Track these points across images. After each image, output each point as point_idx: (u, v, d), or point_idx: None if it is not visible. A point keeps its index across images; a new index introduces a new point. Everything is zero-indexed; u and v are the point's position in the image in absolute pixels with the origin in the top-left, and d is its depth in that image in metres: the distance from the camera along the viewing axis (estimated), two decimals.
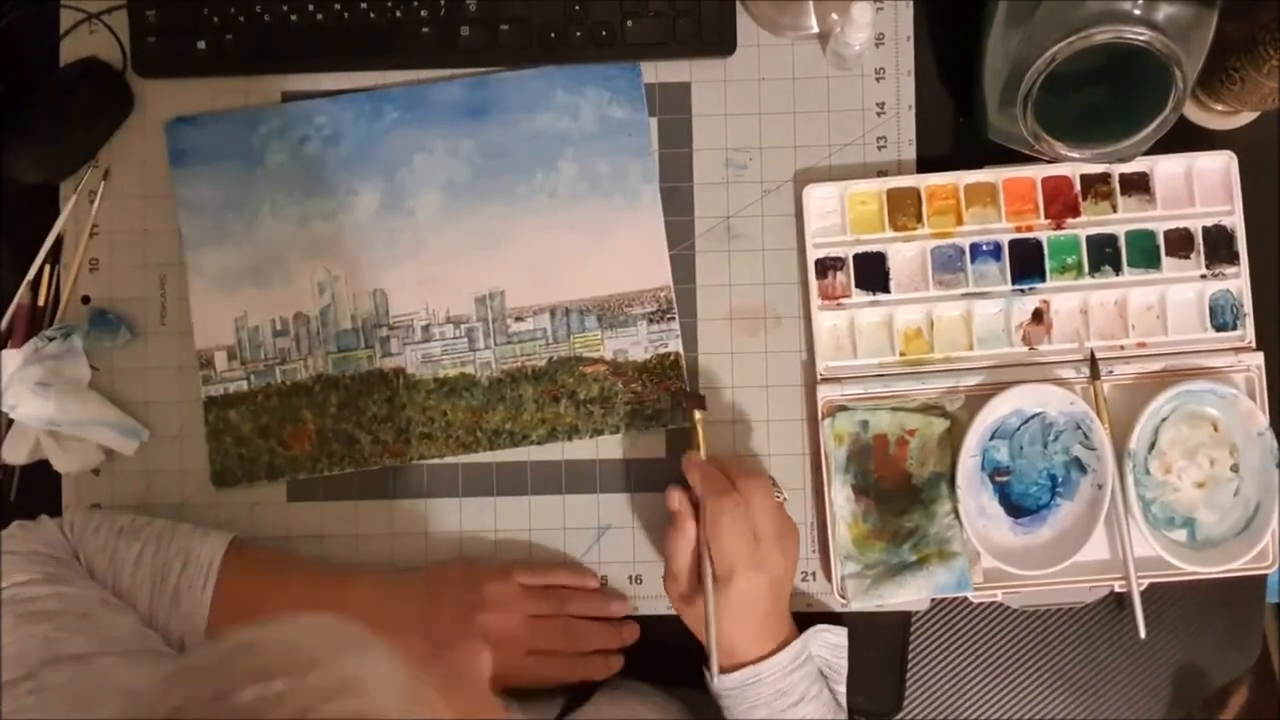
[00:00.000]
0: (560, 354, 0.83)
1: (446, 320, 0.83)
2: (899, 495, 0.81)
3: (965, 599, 0.84)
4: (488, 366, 0.83)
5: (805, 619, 0.81)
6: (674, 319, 0.83)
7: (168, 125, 0.84)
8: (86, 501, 0.83)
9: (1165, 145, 0.76)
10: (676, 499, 0.76)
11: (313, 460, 0.83)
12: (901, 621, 0.84)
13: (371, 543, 0.83)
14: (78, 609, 0.67)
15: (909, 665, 0.84)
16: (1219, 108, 0.83)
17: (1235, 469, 0.81)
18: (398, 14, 0.82)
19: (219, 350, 0.83)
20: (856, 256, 0.82)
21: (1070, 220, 0.82)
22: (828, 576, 0.82)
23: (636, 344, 0.83)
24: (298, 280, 0.83)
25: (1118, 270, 0.82)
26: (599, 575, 0.83)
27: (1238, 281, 0.82)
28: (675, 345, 0.83)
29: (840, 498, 0.81)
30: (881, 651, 0.84)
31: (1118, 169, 0.82)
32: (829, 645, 0.79)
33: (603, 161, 0.83)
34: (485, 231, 0.83)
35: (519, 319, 0.83)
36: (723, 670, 0.75)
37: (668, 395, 0.83)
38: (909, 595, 0.79)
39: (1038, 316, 0.82)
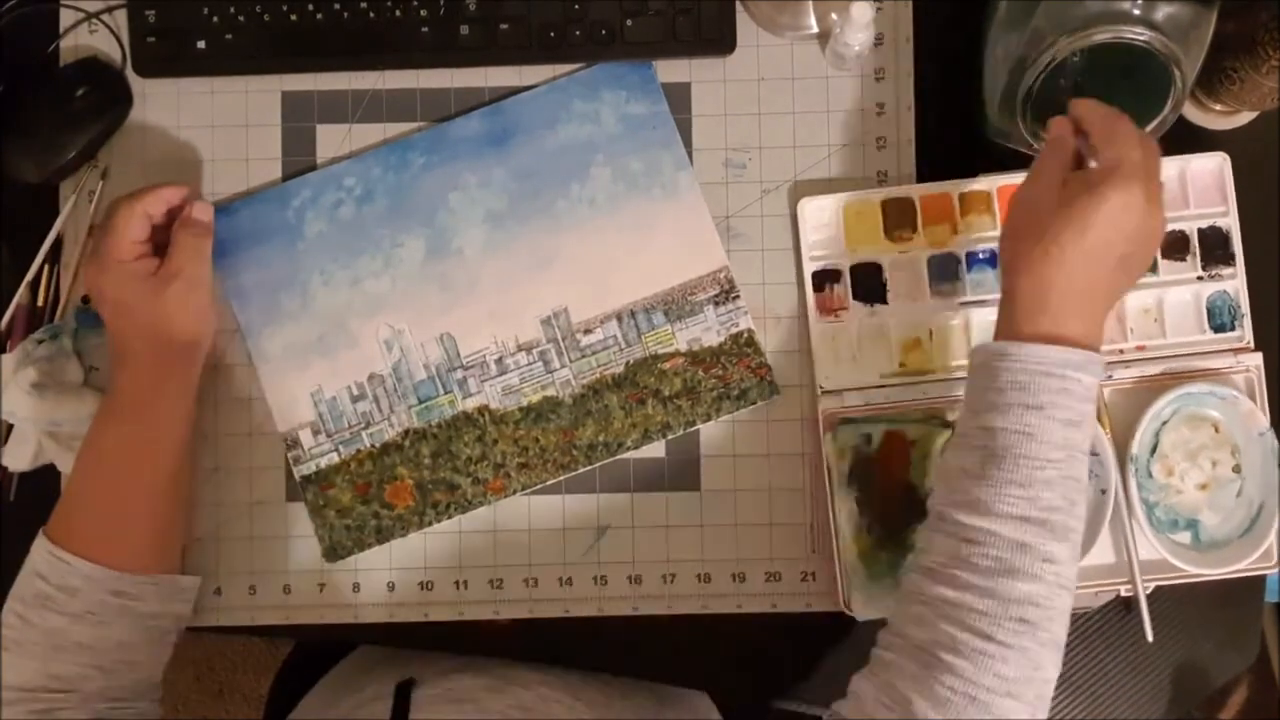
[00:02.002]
0: (636, 356, 0.83)
1: (518, 349, 0.83)
2: (903, 507, 0.81)
3: None
4: (568, 385, 0.83)
5: (806, 619, 0.82)
6: (739, 297, 0.83)
7: None
8: None
9: (1163, 145, 0.76)
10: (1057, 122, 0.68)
11: (418, 514, 0.83)
12: None
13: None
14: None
15: None
16: (1218, 108, 0.83)
17: (1237, 470, 0.81)
18: (397, 13, 0.82)
19: (302, 428, 0.83)
20: (853, 268, 0.82)
21: None
22: (830, 580, 0.82)
23: (708, 330, 0.83)
24: (363, 342, 0.83)
25: None
26: None
27: (1234, 282, 0.82)
28: (746, 323, 0.83)
29: (844, 512, 0.81)
30: None
31: None
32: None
33: (634, 159, 0.83)
34: (535, 253, 0.83)
35: (588, 331, 0.83)
36: (1024, 338, 0.63)
37: (750, 373, 0.83)
38: None
39: None
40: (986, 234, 0.82)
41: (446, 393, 0.83)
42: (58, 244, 0.84)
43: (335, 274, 0.84)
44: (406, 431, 0.83)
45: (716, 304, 0.83)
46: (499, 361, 0.83)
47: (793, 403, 0.83)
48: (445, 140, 0.84)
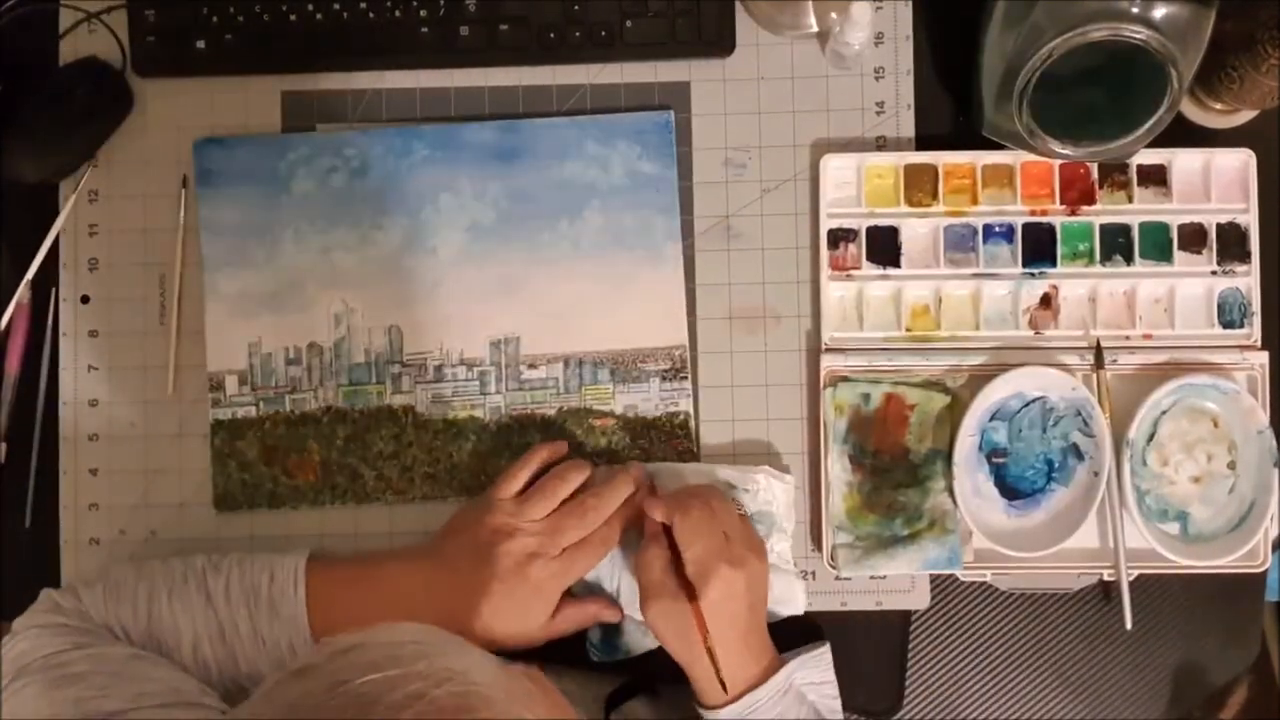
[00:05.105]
0: (571, 404, 0.83)
1: (460, 362, 0.83)
2: (895, 469, 0.82)
3: (965, 597, 0.84)
4: (497, 411, 0.83)
5: (807, 617, 0.82)
6: (687, 378, 0.83)
7: (195, 145, 0.84)
8: (85, 501, 0.83)
9: (1161, 143, 0.76)
10: (647, 516, 0.75)
11: (315, 491, 0.83)
12: (901, 621, 0.84)
13: (370, 542, 0.83)
14: (107, 668, 0.68)
15: (908, 664, 0.84)
16: (1218, 106, 0.83)
17: (1232, 466, 0.81)
18: (397, 14, 0.83)
19: (230, 374, 0.83)
20: (869, 229, 0.83)
21: (1085, 208, 0.82)
22: (818, 545, 0.82)
23: (647, 400, 0.83)
24: (315, 310, 0.84)
25: (1129, 260, 0.82)
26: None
27: (1248, 280, 0.82)
28: (686, 405, 0.83)
29: (837, 468, 0.81)
30: (881, 650, 0.84)
31: (1136, 160, 0.82)
32: (815, 678, 0.78)
33: (628, 215, 0.83)
34: (505, 276, 0.83)
35: (532, 366, 0.83)
36: (714, 706, 0.73)
37: (675, 454, 0.83)
38: (899, 568, 0.80)
39: (1046, 301, 0.82)
40: (1005, 207, 0.82)
41: (378, 383, 0.83)
42: (57, 243, 0.84)
43: (309, 236, 0.84)
44: (328, 408, 0.83)
45: (664, 378, 0.83)
46: (438, 369, 0.83)
47: (793, 401, 0.83)
48: (453, 141, 0.84)
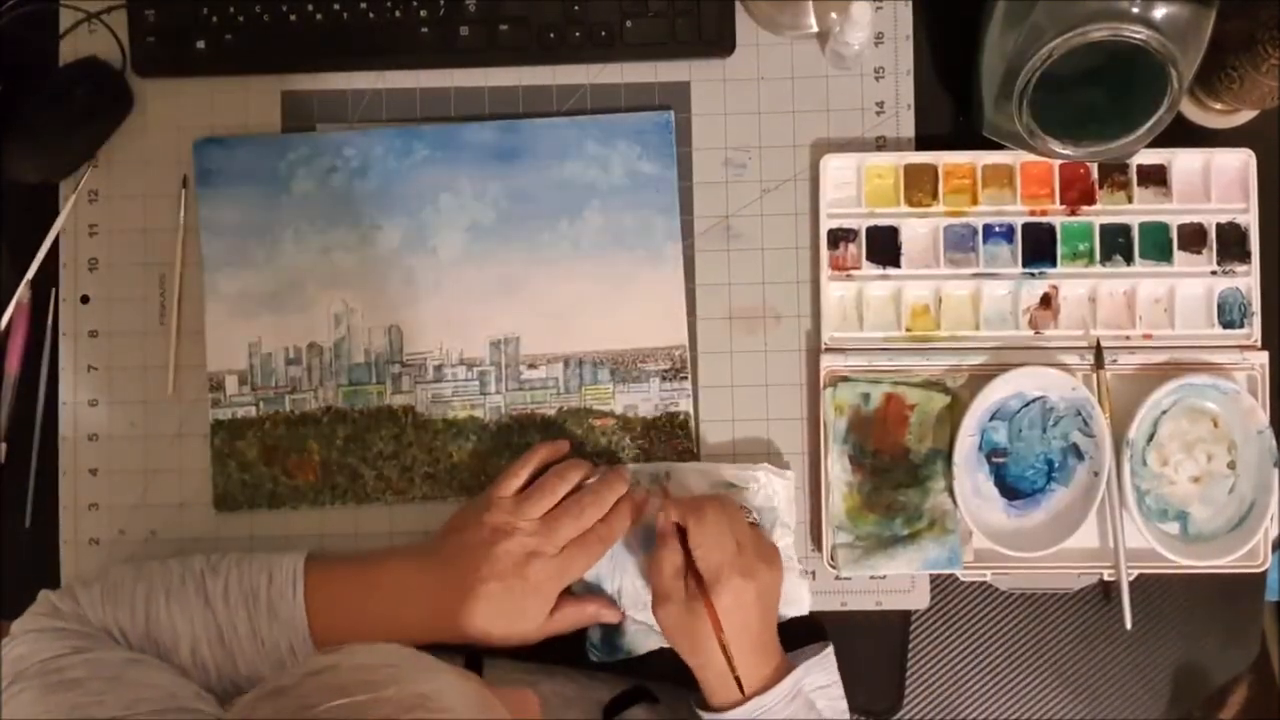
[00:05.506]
0: (570, 404, 0.83)
1: (460, 362, 0.83)
2: (895, 469, 0.82)
3: (964, 597, 0.84)
4: (497, 411, 0.83)
5: (805, 621, 0.82)
6: (686, 378, 0.83)
7: (195, 145, 0.84)
8: (85, 501, 0.83)
9: (1161, 142, 0.76)
10: (660, 517, 0.75)
11: (315, 492, 0.83)
12: (901, 621, 0.84)
13: (370, 542, 0.83)
14: (104, 673, 0.68)
15: (908, 664, 0.84)
16: (1218, 106, 0.83)
17: (1232, 466, 0.81)
18: (397, 14, 0.83)
19: (230, 374, 0.83)
20: (869, 229, 0.83)
21: (1085, 207, 0.82)
22: (818, 544, 0.82)
23: (647, 400, 0.83)
24: (315, 310, 0.84)
25: (1129, 260, 0.82)
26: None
27: (1248, 280, 0.82)
28: (686, 405, 0.83)
29: (837, 468, 0.81)
30: (881, 650, 0.84)
31: (1136, 160, 0.82)
32: (821, 681, 0.78)
33: (628, 215, 0.83)
34: (505, 276, 0.83)
35: (532, 366, 0.83)
36: (722, 708, 0.73)
37: (675, 454, 0.83)
38: (899, 568, 0.80)
39: (1046, 301, 0.82)
40: (1005, 207, 0.82)
41: (378, 383, 0.83)
42: (57, 243, 0.84)
43: (308, 236, 0.84)
44: (328, 408, 0.83)
45: (664, 378, 0.83)
46: (438, 369, 0.83)
47: (793, 401, 0.83)
48: (453, 141, 0.84)
